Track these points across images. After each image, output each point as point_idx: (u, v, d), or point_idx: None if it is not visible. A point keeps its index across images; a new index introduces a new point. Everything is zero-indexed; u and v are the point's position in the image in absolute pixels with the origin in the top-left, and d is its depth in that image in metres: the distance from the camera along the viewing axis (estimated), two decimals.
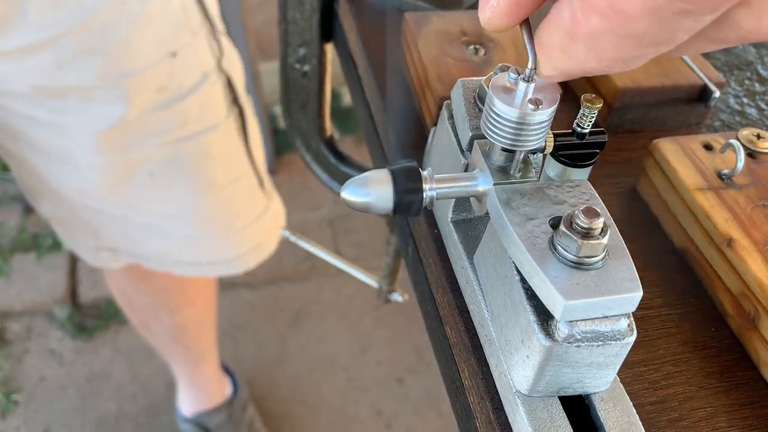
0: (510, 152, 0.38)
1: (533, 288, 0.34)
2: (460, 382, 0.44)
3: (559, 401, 0.37)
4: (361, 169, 0.80)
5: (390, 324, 1.84)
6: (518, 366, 0.37)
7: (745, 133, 0.49)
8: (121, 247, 1.12)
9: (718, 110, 0.61)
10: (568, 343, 0.34)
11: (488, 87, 0.36)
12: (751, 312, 0.41)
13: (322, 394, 1.72)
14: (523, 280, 0.36)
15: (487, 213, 0.39)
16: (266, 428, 1.63)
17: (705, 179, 0.46)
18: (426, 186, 0.39)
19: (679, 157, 0.47)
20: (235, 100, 1.01)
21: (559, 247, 0.34)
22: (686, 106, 0.54)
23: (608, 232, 0.34)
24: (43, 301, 1.82)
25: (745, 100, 0.65)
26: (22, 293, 1.84)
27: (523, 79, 0.35)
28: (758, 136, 0.48)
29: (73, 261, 1.87)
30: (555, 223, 0.36)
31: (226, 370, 1.63)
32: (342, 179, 0.80)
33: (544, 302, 0.34)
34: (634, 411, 0.37)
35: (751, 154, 0.48)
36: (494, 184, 0.38)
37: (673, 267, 0.46)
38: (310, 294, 1.89)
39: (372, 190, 0.39)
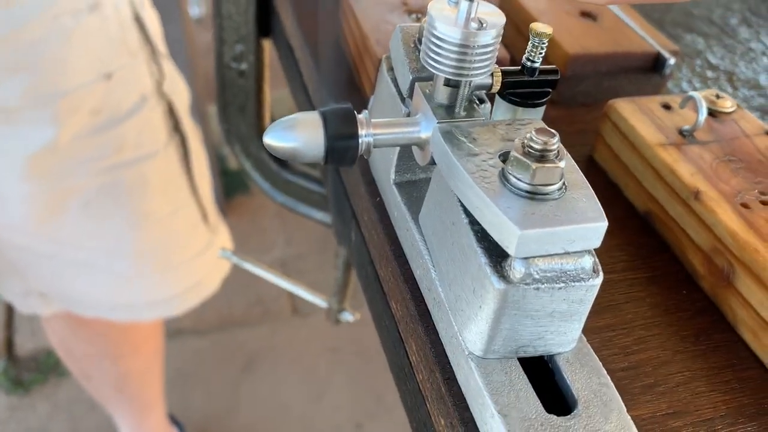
0: (454, 87, 0.34)
1: (484, 226, 0.30)
2: (408, 364, 0.39)
3: (518, 363, 0.32)
4: (307, 177, 0.76)
5: (347, 367, 1.77)
6: (470, 322, 0.32)
7: (705, 93, 0.46)
8: (51, 291, 1.03)
9: (672, 93, 0.59)
10: (525, 284, 0.29)
11: (429, 9, 0.33)
12: (725, 268, 0.37)
13: None
14: (472, 222, 0.32)
15: (432, 162, 0.35)
16: None
17: (666, 136, 0.43)
18: (362, 131, 0.35)
19: (638, 115, 0.44)
20: (176, 127, 0.96)
21: (511, 177, 0.30)
22: (640, 76, 0.52)
23: (565, 158, 0.30)
24: None
25: (698, 85, 0.62)
26: None
27: None
28: (717, 96, 0.46)
29: (10, 310, 1.76)
30: (505, 159, 0.32)
31: (174, 420, 1.53)
32: (284, 188, 0.75)
33: (497, 239, 0.29)
34: (605, 371, 0.32)
35: (711, 114, 0.45)
36: (438, 122, 0.34)
37: (636, 231, 0.43)
38: (262, 339, 1.81)
39: (300, 134, 0.34)
